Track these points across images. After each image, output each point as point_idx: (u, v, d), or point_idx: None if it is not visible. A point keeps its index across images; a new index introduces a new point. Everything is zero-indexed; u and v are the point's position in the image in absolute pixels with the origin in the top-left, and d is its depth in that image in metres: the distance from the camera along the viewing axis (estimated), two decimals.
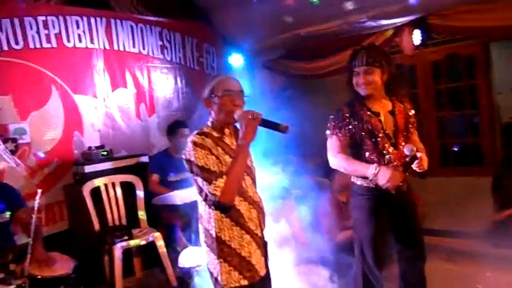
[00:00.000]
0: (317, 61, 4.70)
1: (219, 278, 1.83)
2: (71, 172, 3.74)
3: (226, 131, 1.92)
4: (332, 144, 2.44)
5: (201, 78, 4.73)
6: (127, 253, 3.50)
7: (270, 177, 3.49)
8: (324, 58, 4.64)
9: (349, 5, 3.66)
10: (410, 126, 2.50)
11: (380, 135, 2.36)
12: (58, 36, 3.68)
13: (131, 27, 4.26)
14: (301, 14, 4.16)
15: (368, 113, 2.39)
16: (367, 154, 2.38)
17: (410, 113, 2.51)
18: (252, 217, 1.89)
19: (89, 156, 3.73)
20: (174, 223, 3.73)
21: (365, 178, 2.36)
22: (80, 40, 3.85)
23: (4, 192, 2.77)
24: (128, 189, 3.72)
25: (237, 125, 1.97)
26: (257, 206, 1.93)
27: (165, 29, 4.57)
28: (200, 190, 1.86)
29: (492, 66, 4.52)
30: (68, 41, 3.76)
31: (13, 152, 3.40)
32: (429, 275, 2.58)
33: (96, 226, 3.46)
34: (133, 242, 3.42)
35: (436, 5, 3.78)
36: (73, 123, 3.82)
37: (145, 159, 4.05)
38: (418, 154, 2.28)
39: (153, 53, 4.47)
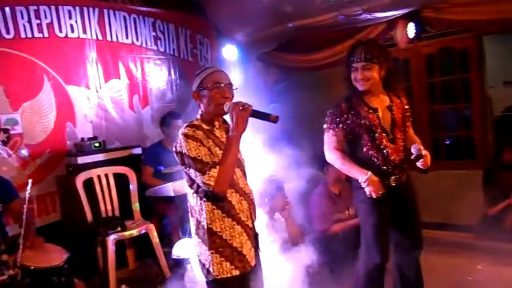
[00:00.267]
0: (312, 54, 4.70)
1: (210, 269, 1.84)
2: (64, 163, 3.72)
3: (216, 123, 1.93)
4: (329, 138, 2.46)
5: (194, 70, 4.68)
6: (120, 244, 3.51)
7: (263, 169, 3.50)
8: (318, 51, 4.63)
9: None
10: (406, 120, 2.53)
11: (378, 130, 2.38)
12: (50, 25, 3.63)
13: (124, 17, 4.22)
14: (295, 6, 4.14)
15: (366, 108, 2.40)
16: (364, 149, 2.40)
17: (406, 108, 2.53)
18: (243, 209, 1.90)
19: (82, 148, 3.71)
20: (168, 215, 3.74)
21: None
22: (72, 30, 3.80)
23: None
24: (121, 180, 3.71)
25: (226, 117, 1.98)
26: (247, 197, 1.95)
27: (159, 20, 4.53)
28: (192, 182, 1.87)
29: (485, 60, 4.54)
30: (60, 31, 3.72)
31: (4, 143, 3.38)
32: (422, 266, 2.62)
33: (89, 217, 3.46)
34: (126, 234, 3.42)
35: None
36: (65, 114, 3.79)
37: (138, 150, 4.04)
38: (423, 152, 2.33)
39: (146, 44, 4.43)
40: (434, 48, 4.65)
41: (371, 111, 2.40)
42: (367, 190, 2.34)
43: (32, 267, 2.47)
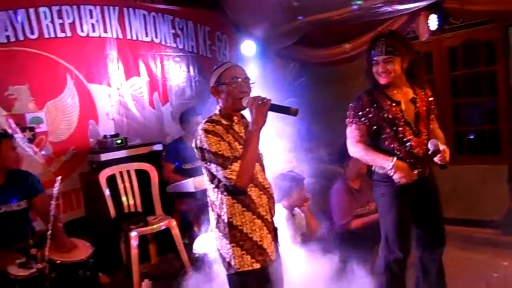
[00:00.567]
0: (331, 48, 4.65)
1: (232, 263, 1.86)
2: (87, 160, 3.81)
3: (235, 118, 1.94)
4: (352, 132, 2.44)
5: (213, 67, 4.71)
6: (143, 239, 3.57)
7: (283, 165, 3.50)
8: (338, 45, 4.58)
9: None
10: (431, 113, 2.49)
11: (401, 123, 2.35)
12: (72, 25, 3.71)
13: (144, 15, 4.27)
14: (313, 0, 4.11)
15: (388, 101, 2.37)
16: (386, 142, 2.37)
17: (431, 100, 2.49)
18: (262, 203, 1.92)
19: (104, 145, 3.78)
20: (188, 210, 3.78)
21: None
22: (93, 30, 3.88)
23: (22, 180, 2.84)
24: (143, 176, 3.77)
25: (244, 112, 1.99)
26: (267, 192, 1.96)
27: (177, 17, 4.57)
28: (212, 177, 1.89)
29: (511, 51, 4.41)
30: (82, 30, 3.80)
31: (30, 141, 3.48)
32: (445, 263, 2.58)
33: (112, 213, 3.53)
34: (148, 229, 3.48)
35: None
36: (88, 112, 3.87)
37: (159, 147, 4.09)
38: (441, 147, 2.28)
39: (165, 41, 4.48)
40: (458, 40, 4.54)
41: (393, 104, 2.37)
42: (396, 177, 2.28)
43: (59, 261, 2.56)
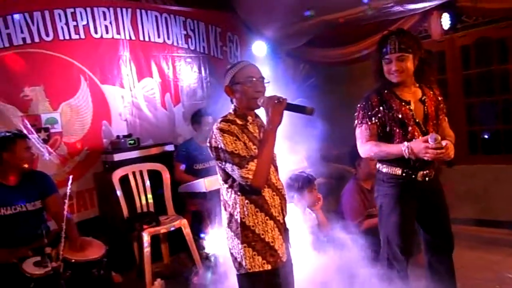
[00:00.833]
0: (342, 48, 4.63)
1: (243, 263, 1.86)
2: (101, 160, 3.85)
3: (249, 118, 1.93)
4: (362, 133, 2.40)
5: (224, 67, 4.73)
6: (155, 239, 3.60)
7: (294, 165, 3.50)
8: (349, 45, 4.56)
9: None
10: (440, 113, 2.45)
11: (411, 123, 2.32)
12: (86, 27, 3.77)
13: (156, 17, 4.31)
14: (325, 0, 4.10)
15: (398, 101, 2.34)
16: (395, 143, 2.33)
17: (440, 99, 2.46)
18: (275, 204, 1.91)
19: (117, 145, 3.82)
20: (200, 210, 3.80)
21: (392, 165, 2.34)
22: (107, 31, 3.93)
23: (37, 180, 2.88)
24: (155, 177, 3.80)
25: (257, 112, 1.99)
26: (279, 193, 1.95)
27: (189, 18, 4.60)
28: (226, 177, 1.88)
29: None
30: (96, 32, 3.85)
31: (45, 141, 3.54)
32: (458, 263, 2.55)
33: (125, 212, 3.56)
34: (160, 229, 3.51)
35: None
36: (101, 112, 3.92)
37: (170, 147, 4.13)
38: (444, 143, 2.19)
39: (177, 42, 4.51)
40: (470, 39, 4.49)
41: (403, 103, 2.34)
42: (423, 155, 2.16)
43: (73, 260, 2.59)
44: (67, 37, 3.65)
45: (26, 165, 2.77)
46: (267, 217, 1.88)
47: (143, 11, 4.19)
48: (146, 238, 3.38)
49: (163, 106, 4.41)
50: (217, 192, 3.27)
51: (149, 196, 3.74)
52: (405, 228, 2.37)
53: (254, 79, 1.89)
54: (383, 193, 2.42)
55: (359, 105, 2.43)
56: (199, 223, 3.77)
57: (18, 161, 2.71)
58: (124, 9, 4.04)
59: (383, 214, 2.45)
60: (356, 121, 2.45)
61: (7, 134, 2.76)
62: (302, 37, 4.82)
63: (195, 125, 4.01)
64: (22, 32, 3.37)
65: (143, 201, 3.71)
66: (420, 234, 2.52)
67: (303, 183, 3.20)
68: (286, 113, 1.88)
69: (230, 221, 1.90)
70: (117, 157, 3.72)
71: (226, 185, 1.91)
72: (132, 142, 3.87)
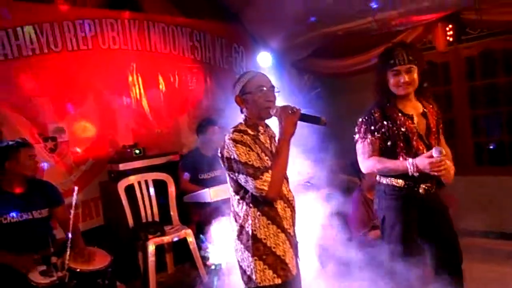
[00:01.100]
0: (347, 59, 4.65)
1: (252, 276, 1.82)
2: (106, 169, 3.88)
3: (260, 128, 1.91)
4: (364, 148, 2.37)
5: (230, 77, 4.78)
6: (160, 248, 3.60)
7: (299, 176, 3.50)
8: (353, 56, 4.58)
9: None
10: (440, 127, 2.44)
11: (415, 138, 2.30)
12: (94, 38, 3.82)
13: (163, 28, 4.36)
14: (329, 12, 4.14)
15: (401, 115, 2.32)
16: (400, 157, 2.30)
17: (439, 114, 2.45)
18: (286, 216, 1.88)
19: (123, 155, 3.85)
20: (205, 220, 3.80)
21: (393, 177, 2.33)
22: (114, 42, 3.98)
23: (44, 189, 2.91)
24: (160, 186, 3.82)
25: (267, 122, 1.97)
26: (290, 204, 1.92)
27: (195, 30, 4.65)
28: (238, 188, 1.85)
29: None
30: (103, 43, 3.90)
31: (52, 150, 3.57)
32: (468, 276, 2.51)
33: (130, 222, 3.57)
34: (165, 239, 3.51)
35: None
36: (108, 122, 3.96)
37: (176, 157, 4.14)
38: (448, 162, 2.19)
39: (183, 53, 4.56)
40: (475, 50, 4.50)
41: (406, 118, 2.32)
42: (429, 170, 2.15)
43: (79, 270, 2.59)
44: (75, 48, 3.70)
45: (29, 173, 2.79)
46: (279, 230, 1.84)
47: (150, 22, 4.25)
48: (151, 248, 3.38)
49: (169, 116, 4.44)
50: (222, 202, 3.30)
51: (154, 205, 3.75)
52: (408, 240, 2.34)
53: (264, 88, 1.87)
54: (385, 205, 2.39)
55: (360, 120, 2.40)
56: (203, 233, 3.76)
57: (22, 170, 2.74)
58: (131, 21, 4.09)
59: (386, 227, 2.42)
60: (357, 136, 2.41)
61: (10, 143, 2.79)
62: (306, 48, 4.86)
63: (200, 135, 4.03)
64: (31, 43, 3.42)
65: (148, 211, 3.72)
66: (426, 249, 2.49)
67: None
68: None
69: (240, 233, 1.86)
70: (123, 166, 3.74)
71: (238, 197, 1.87)
72: (137, 151, 3.89)
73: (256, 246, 1.82)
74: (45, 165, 3.45)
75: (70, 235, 2.47)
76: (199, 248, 3.61)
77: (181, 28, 4.51)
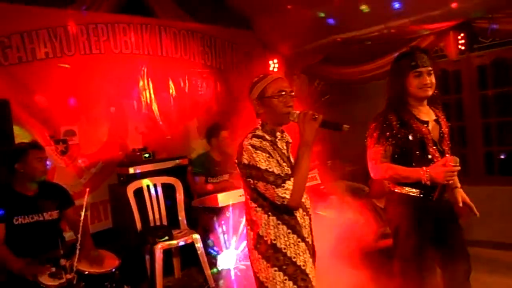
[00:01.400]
0: (358, 67, 4.66)
1: None
2: (116, 172, 3.90)
3: (278, 134, 1.84)
4: (376, 153, 2.32)
5: (239, 83, 4.81)
6: (167, 252, 3.60)
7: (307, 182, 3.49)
8: (364, 63, 4.59)
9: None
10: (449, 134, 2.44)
11: (430, 144, 2.28)
12: (106, 42, 3.87)
13: (174, 33, 4.39)
14: (341, 19, 4.15)
15: (417, 121, 2.29)
16: (414, 164, 2.27)
17: (448, 123, 2.44)
18: (305, 224, 1.82)
19: (133, 158, 3.87)
20: (213, 225, 3.80)
21: (407, 185, 2.30)
22: (126, 47, 4.02)
23: (55, 191, 2.93)
24: (168, 190, 3.82)
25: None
26: (307, 212, 1.87)
27: (206, 35, 4.68)
28: (256, 195, 1.78)
29: None
30: (115, 47, 3.94)
31: (63, 153, 3.60)
32: (474, 286, 2.49)
33: (139, 225, 3.58)
34: (173, 243, 3.51)
35: (481, 9, 3.66)
36: (118, 125, 3.99)
37: (184, 161, 4.15)
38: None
39: (194, 58, 4.59)
40: (487, 59, 4.48)
41: (422, 124, 2.30)
42: (441, 180, 2.16)
43: (87, 272, 2.60)
44: (88, 52, 3.74)
45: (38, 175, 2.80)
46: (299, 239, 1.77)
47: (161, 27, 4.29)
48: (158, 252, 3.38)
49: (179, 120, 4.46)
50: (230, 207, 3.30)
51: (163, 209, 3.76)
52: (422, 250, 2.32)
53: (284, 93, 1.79)
54: (399, 215, 2.35)
55: (374, 124, 2.35)
56: (211, 238, 3.77)
57: (31, 171, 2.75)
58: (144, 26, 4.14)
59: (399, 237, 2.38)
60: (369, 140, 2.37)
61: (21, 145, 2.82)
62: (317, 55, 4.87)
63: (211, 139, 4.02)
64: (45, 46, 3.47)
65: (157, 215, 3.72)
66: (435, 258, 2.47)
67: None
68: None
69: (257, 242, 1.78)
70: (132, 170, 3.76)
71: (255, 204, 1.79)
72: (147, 155, 3.91)
73: (276, 256, 1.74)
74: (49, 164, 3.48)
75: (79, 237, 2.48)
76: (207, 252, 3.62)
77: (192, 33, 4.55)
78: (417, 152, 2.28)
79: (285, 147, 1.86)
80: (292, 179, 1.69)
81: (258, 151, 1.71)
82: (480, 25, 3.81)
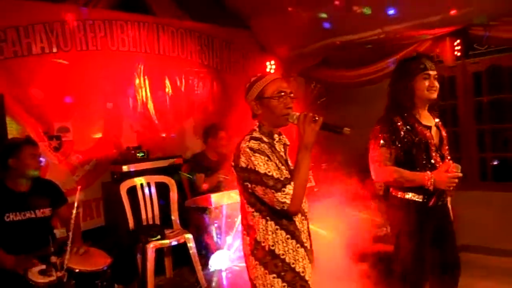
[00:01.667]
0: (354, 70, 4.67)
1: None
2: (109, 170, 3.87)
3: (275, 136, 1.79)
4: (381, 156, 2.31)
5: (236, 83, 4.80)
6: (159, 251, 3.58)
7: None
8: (361, 67, 4.59)
9: None
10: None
11: (433, 148, 2.31)
12: (103, 39, 3.84)
13: (172, 32, 4.38)
14: (338, 22, 4.15)
15: (420, 125, 2.33)
16: (418, 168, 2.29)
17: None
18: (303, 229, 1.78)
19: (127, 156, 3.85)
20: (205, 225, 3.79)
21: (409, 191, 2.31)
22: (123, 44, 3.99)
23: (48, 188, 2.89)
24: (162, 189, 3.80)
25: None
26: (306, 216, 1.82)
27: (204, 34, 4.67)
28: (253, 199, 1.72)
29: None
30: (112, 44, 3.91)
31: (56, 149, 3.57)
32: None
33: (131, 224, 3.55)
34: (165, 242, 3.49)
35: (481, 15, 3.68)
36: (112, 123, 3.96)
37: (179, 161, 4.13)
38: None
39: (191, 57, 4.57)
40: (482, 66, 4.50)
41: (425, 127, 2.33)
42: (444, 186, 2.21)
43: (78, 270, 2.56)
44: (84, 48, 3.71)
45: (31, 172, 2.77)
46: (298, 245, 1.73)
47: (159, 26, 4.27)
48: (150, 251, 3.36)
49: (174, 119, 4.44)
50: (224, 208, 3.29)
51: (156, 208, 3.74)
52: (423, 254, 2.33)
53: (283, 93, 1.73)
54: (401, 219, 2.36)
55: (380, 127, 2.34)
56: (204, 238, 3.75)
57: (24, 168, 2.71)
58: (141, 23, 4.11)
59: (401, 241, 2.38)
60: (373, 143, 2.36)
61: (15, 140, 2.78)
62: (314, 57, 4.87)
63: (208, 139, 4.00)
64: (41, 41, 3.44)
65: (149, 213, 3.70)
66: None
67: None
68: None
69: (254, 248, 1.72)
70: (126, 168, 3.74)
71: (253, 209, 1.73)
72: (141, 154, 3.89)
73: (274, 263, 1.69)
74: (42, 161, 3.44)
75: (70, 235, 2.46)
76: (199, 252, 3.60)
77: (190, 32, 4.53)
78: (421, 156, 2.30)
79: (283, 150, 1.81)
80: (292, 183, 1.63)
81: (257, 154, 1.65)
82: (476, 32, 3.84)
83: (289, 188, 1.62)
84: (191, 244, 3.56)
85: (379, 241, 3.39)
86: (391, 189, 2.42)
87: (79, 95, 3.73)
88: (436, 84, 2.31)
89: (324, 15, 3.85)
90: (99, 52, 3.82)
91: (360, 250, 3.23)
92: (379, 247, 3.32)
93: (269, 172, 1.63)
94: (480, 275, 3.37)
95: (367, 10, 3.65)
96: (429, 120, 2.40)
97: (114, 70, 3.95)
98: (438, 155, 2.33)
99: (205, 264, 3.48)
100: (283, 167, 1.70)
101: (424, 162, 2.29)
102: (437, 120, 2.44)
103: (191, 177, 3.88)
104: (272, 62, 4.91)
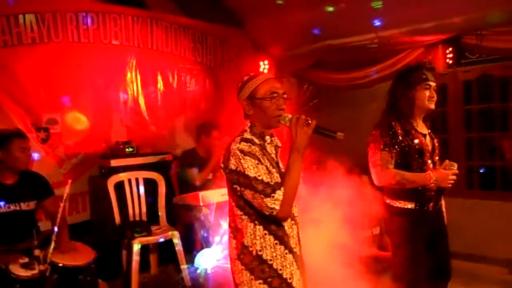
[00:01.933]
0: (347, 73, 4.68)
1: None
2: (98, 164, 3.83)
3: (267, 138, 1.75)
4: (383, 159, 2.34)
5: (229, 81, 4.78)
6: (145, 248, 3.55)
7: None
8: (354, 71, 4.61)
9: None
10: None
11: (427, 154, 2.38)
12: (96, 32, 3.79)
13: (166, 27, 4.34)
14: (332, 25, 4.16)
15: (417, 132, 2.40)
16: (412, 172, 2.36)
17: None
18: (293, 234, 1.74)
19: (115, 151, 3.81)
20: (193, 223, 3.77)
21: (403, 199, 2.36)
22: (116, 37, 3.95)
23: (34, 181, 2.86)
24: (150, 185, 3.77)
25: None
26: (295, 221, 1.79)
27: (198, 31, 4.64)
28: (242, 203, 1.68)
29: None
30: (105, 37, 3.87)
31: (44, 141, 3.52)
32: None
33: (117, 219, 3.52)
34: (151, 239, 3.47)
35: (472, 25, 3.72)
36: (102, 117, 3.92)
37: (169, 157, 4.10)
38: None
39: (184, 54, 4.54)
40: (473, 75, 4.55)
41: (421, 135, 2.40)
42: (444, 185, 2.33)
43: (61, 264, 2.54)
44: (76, 39, 3.66)
45: (20, 166, 2.73)
46: (286, 251, 1.69)
47: (153, 20, 4.23)
48: (136, 247, 3.33)
49: (165, 115, 4.41)
50: (213, 206, 3.27)
51: (143, 204, 3.71)
52: (418, 260, 2.37)
53: (276, 94, 1.69)
54: (396, 226, 2.41)
55: (379, 131, 2.38)
56: (190, 236, 3.73)
57: (13, 161, 2.68)
58: (135, 17, 4.07)
59: (398, 247, 2.43)
60: (373, 146, 2.39)
61: (4, 132, 2.74)
62: (307, 59, 4.88)
63: (201, 136, 3.98)
64: (32, 31, 3.38)
65: (136, 209, 3.67)
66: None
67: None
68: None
69: (241, 252, 1.69)
70: (114, 162, 3.70)
71: (241, 212, 1.69)
72: (130, 149, 3.85)
73: (261, 268, 1.65)
74: (35, 156, 3.40)
75: (56, 229, 2.42)
76: (185, 250, 3.58)
77: (184, 28, 4.50)
78: (417, 162, 2.36)
79: (274, 152, 1.77)
80: (282, 188, 1.59)
81: (247, 157, 1.60)
82: (468, 41, 3.87)
83: (279, 194, 1.57)
84: (177, 241, 3.54)
85: (373, 242, 3.40)
86: (385, 198, 2.48)
87: (70, 87, 3.68)
88: (435, 95, 2.38)
89: (331, 9, 3.81)
90: (91, 44, 3.77)
91: (355, 252, 3.25)
92: (374, 249, 3.33)
93: (259, 176, 1.58)
94: (461, 281, 3.40)
95: (377, 4, 3.61)
96: (423, 128, 2.47)
97: (105, 64, 3.91)
98: (431, 161, 2.40)
99: (191, 262, 3.46)
100: (274, 170, 1.65)
101: (418, 167, 2.35)
102: (429, 130, 2.51)
103: (184, 172, 3.85)
104: (266, 61, 4.90)
